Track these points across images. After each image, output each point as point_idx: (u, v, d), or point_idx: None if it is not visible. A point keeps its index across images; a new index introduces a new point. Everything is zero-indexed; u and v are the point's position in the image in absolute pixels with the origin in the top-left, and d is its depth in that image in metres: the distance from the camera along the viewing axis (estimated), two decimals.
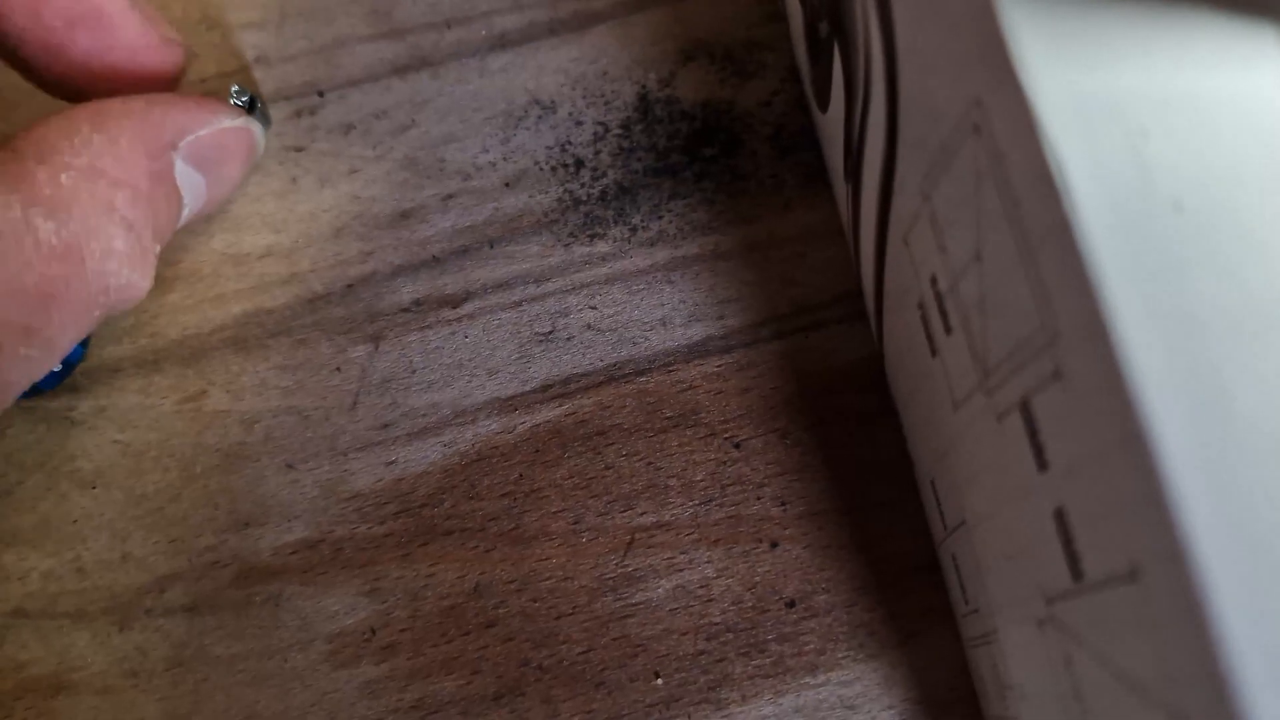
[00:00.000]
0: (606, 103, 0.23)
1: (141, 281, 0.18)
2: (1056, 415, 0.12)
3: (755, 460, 0.21)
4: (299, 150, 0.23)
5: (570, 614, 0.20)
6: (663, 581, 0.20)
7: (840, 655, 0.20)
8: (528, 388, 0.21)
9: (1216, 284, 0.11)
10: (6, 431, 0.21)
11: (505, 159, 0.23)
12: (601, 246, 0.22)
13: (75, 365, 0.21)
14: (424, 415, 0.21)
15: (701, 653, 0.20)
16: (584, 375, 0.21)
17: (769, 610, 0.20)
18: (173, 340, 0.22)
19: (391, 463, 0.21)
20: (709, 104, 0.23)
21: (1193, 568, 0.10)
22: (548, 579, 0.20)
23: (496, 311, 0.22)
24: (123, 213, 0.17)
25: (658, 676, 0.20)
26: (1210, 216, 0.11)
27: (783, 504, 0.20)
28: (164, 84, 0.20)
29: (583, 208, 0.22)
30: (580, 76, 0.23)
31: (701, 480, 0.21)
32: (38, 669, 0.20)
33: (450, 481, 0.21)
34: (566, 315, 0.22)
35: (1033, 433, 0.13)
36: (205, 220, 0.23)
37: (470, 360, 0.22)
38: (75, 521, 0.21)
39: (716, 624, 0.20)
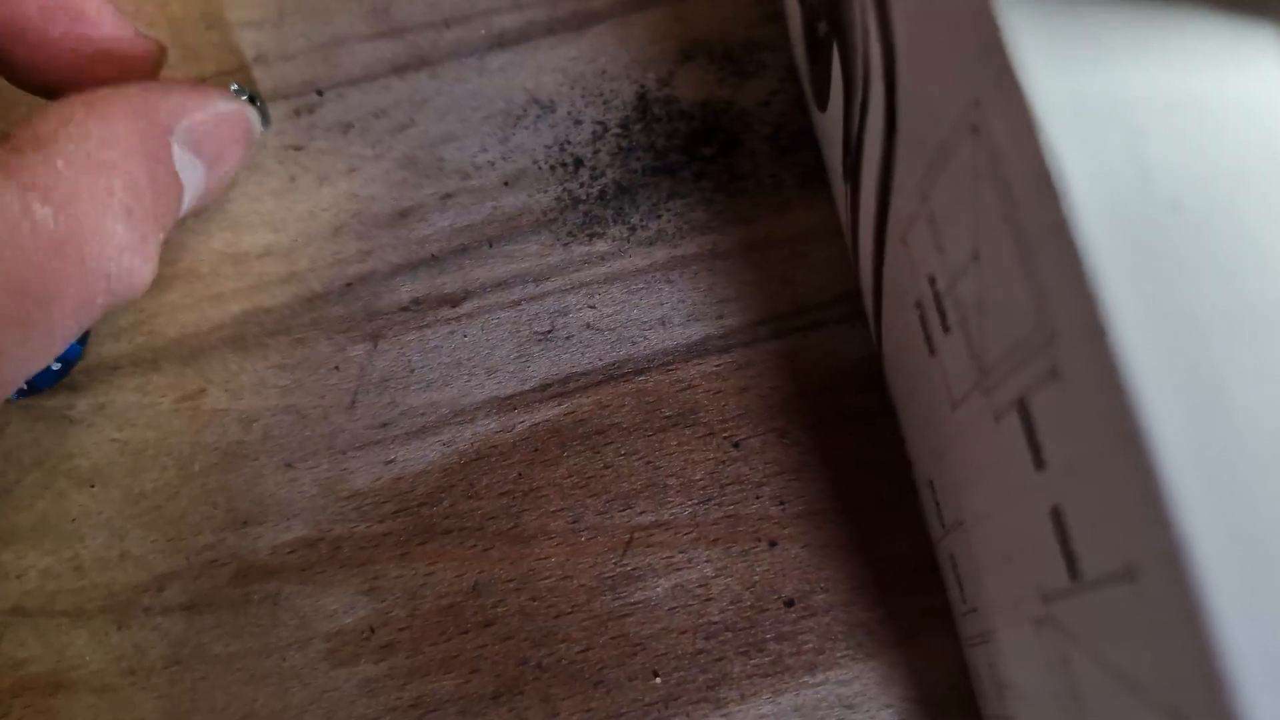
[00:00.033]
0: (605, 102, 0.23)
1: (144, 268, 0.18)
2: (1054, 415, 0.12)
3: (754, 459, 0.21)
4: (298, 149, 0.23)
5: (569, 613, 0.20)
6: (661, 580, 0.20)
7: (839, 654, 0.20)
8: (526, 387, 0.21)
9: (1214, 284, 0.11)
10: (4, 430, 0.21)
11: (504, 158, 0.23)
12: (600, 246, 0.22)
13: (74, 363, 0.21)
14: (423, 414, 0.21)
15: (700, 652, 0.20)
16: (583, 374, 0.21)
17: (767, 609, 0.20)
18: (171, 339, 0.22)
19: (390, 462, 0.21)
20: (708, 103, 0.23)
21: (1190, 567, 0.10)
22: (546, 578, 0.20)
23: (495, 310, 0.22)
24: (121, 199, 0.17)
25: (656, 675, 0.20)
26: (1209, 217, 0.11)
27: (781, 503, 0.20)
28: (142, 77, 0.20)
29: (581, 207, 0.22)
30: (579, 76, 0.23)
31: (700, 479, 0.21)
32: (36, 667, 0.20)
33: (449, 480, 0.21)
34: (565, 314, 0.22)
35: (1030, 432, 0.13)
36: (204, 219, 0.23)
37: (469, 359, 0.22)
38: (73, 520, 0.21)
39: (715, 623, 0.20)
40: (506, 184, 0.23)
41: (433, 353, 0.22)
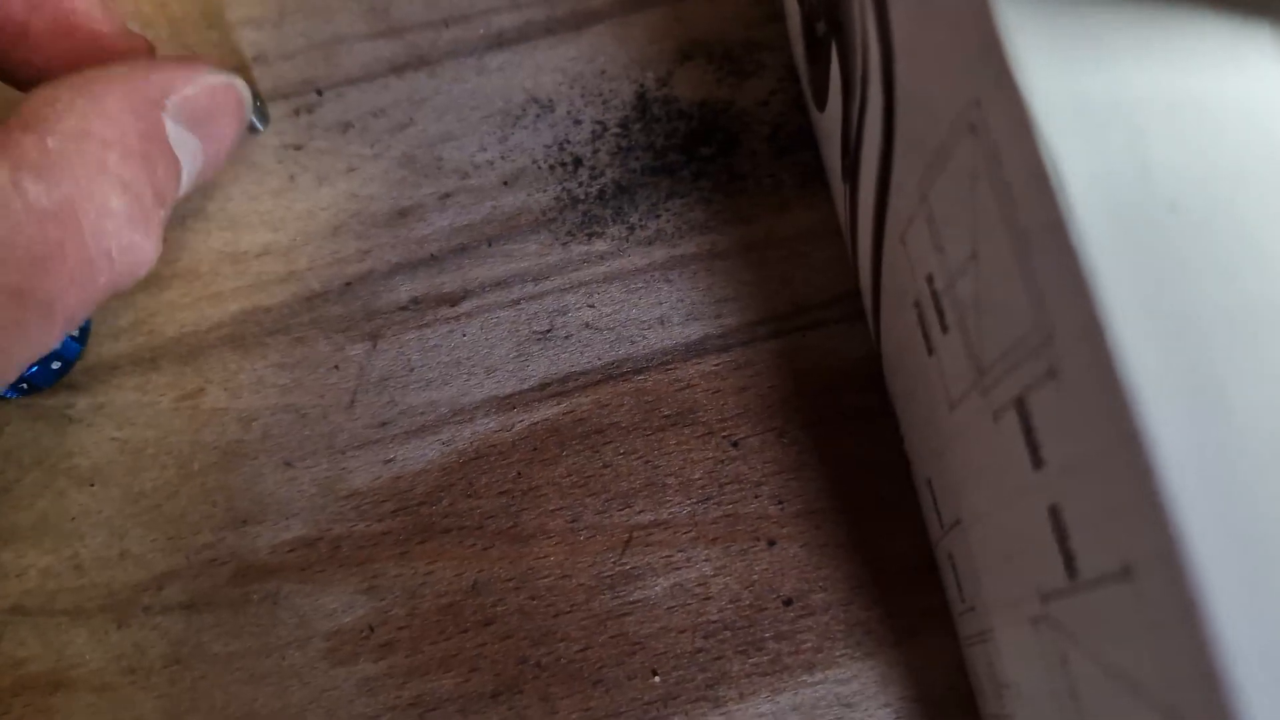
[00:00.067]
0: (604, 102, 0.23)
1: (146, 244, 0.18)
2: (1051, 414, 0.12)
3: (753, 459, 0.21)
4: (297, 148, 0.23)
5: (568, 612, 0.20)
6: (660, 579, 0.20)
7: (837, 653, 0.20)
8: (526, 386, 0.21)
9: (1213, 284, 0.11)
10: (4, 429, 0.21)
11: (503, 157, 0.23)
12: (599, 245, 0.22)
13: (74, 362, 0.21)
14: (422, 413, 0.21)
15: (699, 650, 0.20)
16: (582, 374, 0.21)
17: (766, 608, 0.20)
18: (170, 338, 0.22)
19: (389, 461, 0.21)
20: (707, 103, 0.23)
21: (1187, 567, 0.10)
22: (546, 577, 0.20)
23: (494, 310, 0.22)
24: (116, 172, 0.17)
25: (655, 674, 0.20)
26: (1207, 216, 0.11)
27: (780, 502, 0.21)
28: None
29: (581, 206, 0.23)
30: (578, 75, 0.23)
31: (699, 479, 0.21)
32: (36, 666, 0.20)
33: (448, 479, 0.21)
34: (564, 314, 0.22)
35: (1028, 431, 0.13)
36: (203, 218, 0.23)
37: (468, 358, 0.22)
38: (73, 519, 0.21)
39: (714, 622, 0.20)
40: (505, 183, 0.23)
41: (432, 352, 0.22)
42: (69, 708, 0.20)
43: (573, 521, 0.21)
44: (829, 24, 0.18)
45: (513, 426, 0.21)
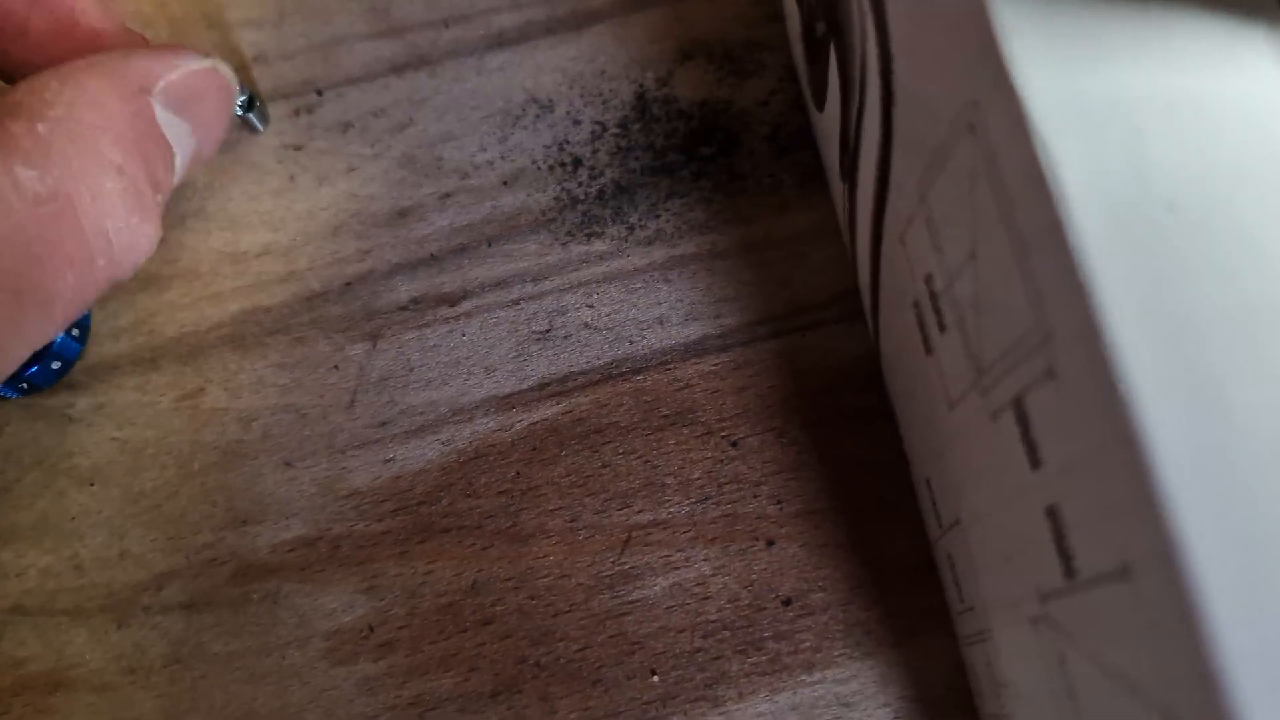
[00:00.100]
0: (604, 102, 0.23)
1: (145, 228, 0.18)
2: (1049, 414, 0.12)
3: (752, 459, 0.21)
4: (297, 148, 0.23)
5: (567, 611, 0.20)
6: (659, 579, 0.20)
7: (836, 653, 0.20)
8: (525, 386, 0.21)
9: (1211, 284, 0.11)
10: (4, 429, 0.21)
11: (503, 158, 0.23)
12: (599, 245, 0.22)
13: (73, 362, 0.21)
14: (421, 413, 0.21)
15: (698, 650, 0.20)
16: (581, 373, 0.22)
17: (765, 608, 0.20)
18: (170, 338, 0.22)
19: (389, 460, 0.21)
20: (707, 103, 0.23)
21: (1184, 567, 0.10)
22: (545, 576, 0.20)
23: (494, 310, 0.22)
24: (110, 157, 0.17)
25: (654, 674, 0.20)
26: (1205, 216, 0.11)
27: (779, 502, 0.21)
28: None
29: (580, 206, 0.23)
30: (578, 75, 0.23)
31: (698, 478, 0.21)
32: (36, 666, 0.20)
33: (448, 479, 0.21)
34: (564, 314, 0.22)
35: (1026, 431, 0.13)
36: (203, 218, 0.23)
37: (468, 358, 0.22)
38: (73, 519, 0.21)
39: (713, 622, 0.20)
40: (505, 183, 0.23)
41: (431, 352, 0.22)
42: (69, 707, 0.20)
43: (572, 521, 0.21)
44: (828, 24, 0.18)
45: (512, 426, 0.21)
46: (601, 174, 0.23)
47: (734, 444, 0.21)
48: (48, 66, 0.18)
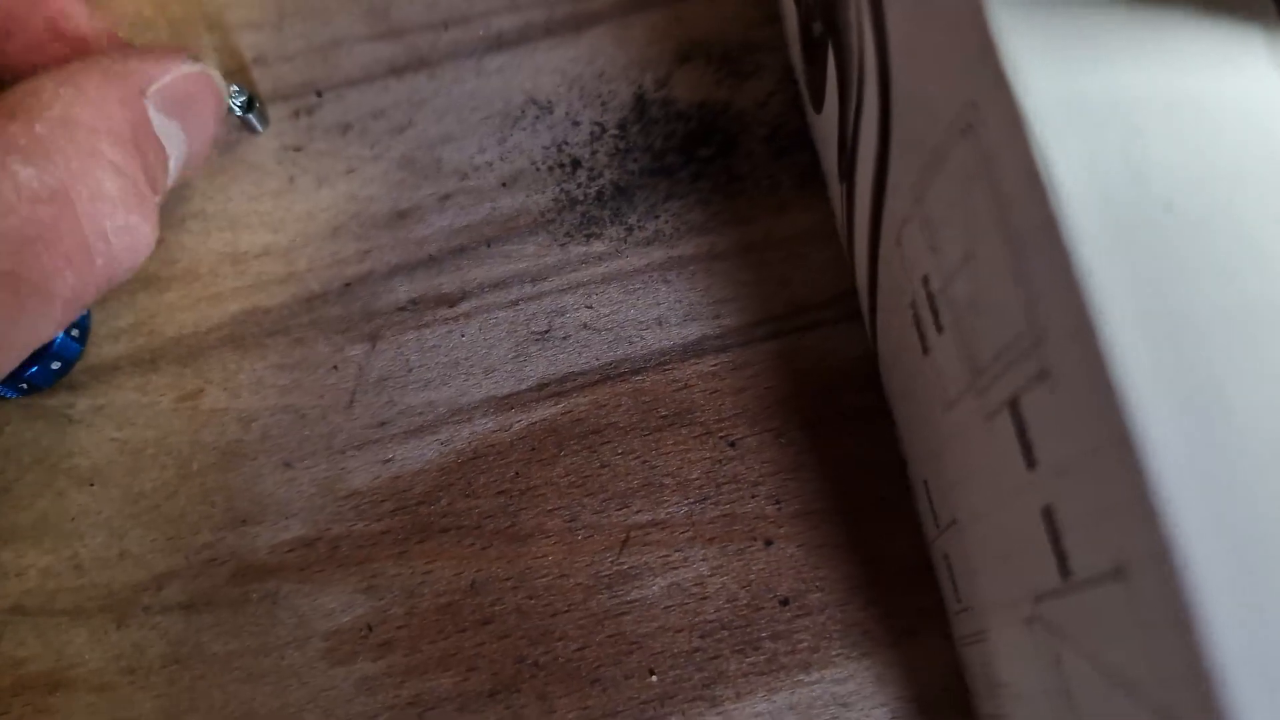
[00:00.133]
0: (603, 103, 0.23)
1: (143, 225, 0.18)
2: (1044, 414, 0.12)
3: (750, 459, 0.21)
4: (297, 150, 0.23)
5: (566, 611, 0.20)
6: (658, 579, 0.20)
7: (834, 653, 0.20)
8: (524, 386, 0.22)
9: (1206, 284, 0.11)
10: (4, 429, 0.21)
11: (502, 159, 0.23)
12: (598, 246, 0.22)
13: (73, 363, 0.21)
14: (420, 413, 0.21)
15: (696, 650, 0.20)
16: (580, 374, 0.22)
17: (763, 608, 0.20)
18: (170, 339, 0.22)
19: (388, 461, 0.21)
20: (705, 105, 0.23)
21: (1179, 567, 0.10)
22: (543, 576, 0.20)
23: (493, 310, 0.22)
24: (107, 155, 0.17)
25: (652, 674, 0.20)
26: (1202, 217, 0.11)
27: (777, 503, 0.21)
28: None
29: (579, 208, 0.23)
30: (577, 77, 0.23)
31: (697, 479, 0.21)
32: (35, 666, 0.20)
33: (447, 479, 0.21)
34: (563, 314, 0.22)
35: (1021, 432, 0.13)
36: (202, 220, 0.23)
37: (467, 359, 0.22)
38: (73, 519, 0.21)
39: (711, 621, 0.20)
40: (504, 185, 0.23)
41: (430, 352, 0.22)
42: (68, 707, 0.20)
43: (570, 521, 0.21)
44: (825, 25, 0.18)
45: (511, 427, 0.21)
46: (600, 175, 0.23)
47: (732, 444, 0.21)
48: (33, 72, 0.18)
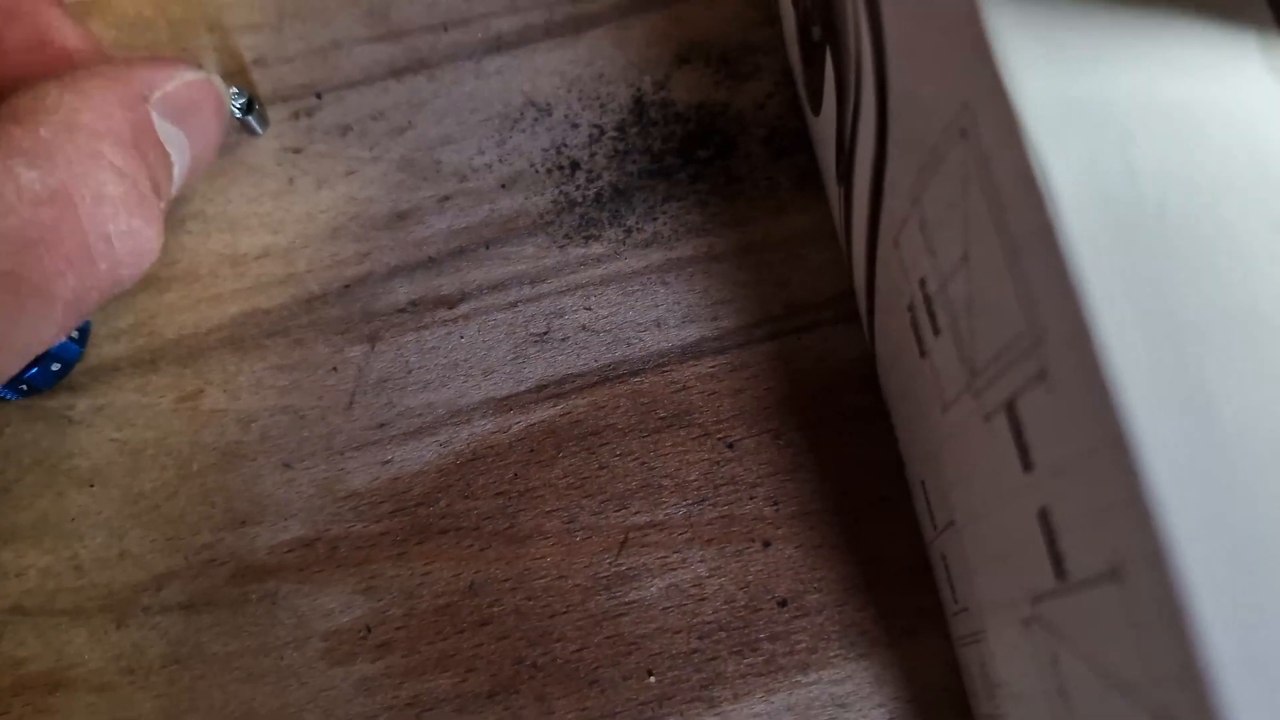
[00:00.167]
0: (602, 105, 0.23)
1: (147, 229, 0.18)
2: (1041, 416, 0.12)
3: (748, 460, 0.21)
4: (296, 151, 0.23)
5: (564, 612, 0.20)
6: (656, 580, 0.20)
7: (832, 654, 0.20)
8: (523, 388, 0.22)
9: (1200, 287, 0.11)
10: (4, 430, 0.21)
11: (501, 161, 0.23)
12: (596, 248, 0.22)
13: (73, 364, 0.21)
14: (420, 415, 0.21)
15: (694, 651, 0.20)
16: (578, 376, 0.22)
17: (761, 609, 0.20)
18: (170, 340, 0.22)
19: (387, 462, 0.21)
20: (704, 106, 0.23)
21: (1174, 568, 0.10)
22: (542, 578, 0.20)
23: (492, 312, 0.22)
24: (111, 159, 0.17)
25: (650, 675, 0.20)
26: (1195, 220, 0.11)
27: (775, 504, 0.21)
28: None
29: (578, 209, 0.23)
30: (576, 79, 0.23)
31: (695, 480, 0.21)
32: (35, 666, 0.20)
33: (445, 481, 0.21)
34: (561, 316, 0.22)
35: (1018, 434, 0.13)
36: (202, 221, 0.23)
37: (466, 360, 0.22)
38: (73, 519, 0.21)
39: (709, 623, 0.20)
40: (503, 186, 0.23)
41: (430, 354, 0.22)
42: (68, 707, 0.20)
43: (569, 522, 0.21)
44: (823, 27, 0.19)
45: (509, 428, 0.21)
46: (599, 177, 0.23)
47: (731, 445, 0.21)
48: (21, 83, 0.19)
